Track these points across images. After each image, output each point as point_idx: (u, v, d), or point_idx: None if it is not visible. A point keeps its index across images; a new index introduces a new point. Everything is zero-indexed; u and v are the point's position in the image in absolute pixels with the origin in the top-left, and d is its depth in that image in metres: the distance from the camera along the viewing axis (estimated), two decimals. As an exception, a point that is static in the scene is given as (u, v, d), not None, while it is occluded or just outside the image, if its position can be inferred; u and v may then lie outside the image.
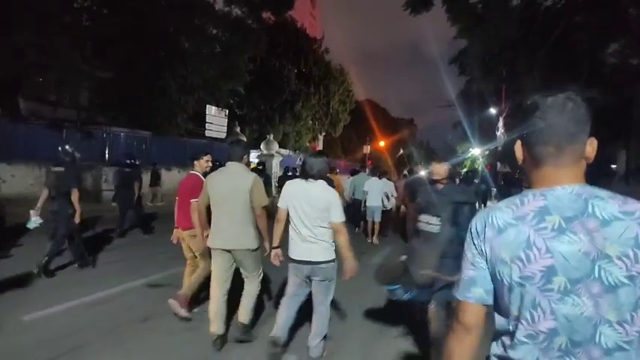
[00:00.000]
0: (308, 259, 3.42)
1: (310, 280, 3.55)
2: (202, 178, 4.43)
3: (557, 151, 1.12)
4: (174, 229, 4.64)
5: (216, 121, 19.57)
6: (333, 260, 3.48)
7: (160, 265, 6.53)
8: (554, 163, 1.13)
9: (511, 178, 15.13)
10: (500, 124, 24.12)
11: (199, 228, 4.17)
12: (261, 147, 24.10)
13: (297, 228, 3.46)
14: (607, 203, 1.07)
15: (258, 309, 4.34)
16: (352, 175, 12.43)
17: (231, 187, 3.73)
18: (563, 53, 13.28)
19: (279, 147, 27.55)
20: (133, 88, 15.37)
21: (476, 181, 18.05)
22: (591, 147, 1.13)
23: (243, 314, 3.91)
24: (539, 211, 1.11)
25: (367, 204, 10.00)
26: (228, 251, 3.79)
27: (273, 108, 26.39)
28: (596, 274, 1.03)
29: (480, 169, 28.82)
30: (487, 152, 32.17)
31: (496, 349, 1.21)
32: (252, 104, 25.40)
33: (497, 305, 1.20)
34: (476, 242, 1.21)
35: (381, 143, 50.21)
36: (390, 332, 4.45)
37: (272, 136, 24.81)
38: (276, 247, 3.65)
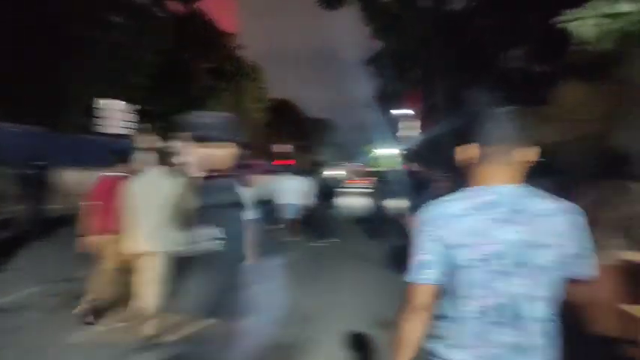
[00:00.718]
0: None
1: None
2: (125, 180, 4.24)
3: (506, 153, 1.35)
4: (83, 237, 4.32)
5: (118, 116, 17.43)
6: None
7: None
8: (497, 163, 1.36)
9: (423, 178, 15.30)
10: (415, 124, 24.57)
11: (124, 232, 4.03)
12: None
13: None
14: (543, 200, 1.34)
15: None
16: (270, 175, 11.99)
17: (156, 190, 3.78)
18: (474, 55, 13.44)
19: (190, 146, 25.88)
20: (21, 80, 13.06)
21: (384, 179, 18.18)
22: (533, 151, 1.37)
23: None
24: (490, 203, 1.33)
25: (287, 202, 9.63)
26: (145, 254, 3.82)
27: (182, 104, 24.54)
28: (534, 259, 1.29)
29: (396, 169, 29.31)
30: (402, 152, 32.90)
31: (442, 325, 1.41)
32: (160, 99, 23.40)
33: (446, 286, 1.38)
34: (430, 228, 1.38)
35: (299, 143, 49.71)
36: None
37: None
38: None
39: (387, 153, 35.82)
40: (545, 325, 1.32)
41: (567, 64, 14.18)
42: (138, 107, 19.50)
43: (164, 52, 20.58)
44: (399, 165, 30.39)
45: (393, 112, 30.16)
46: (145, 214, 3.75)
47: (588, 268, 1.36)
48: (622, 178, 2.28)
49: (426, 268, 1.37)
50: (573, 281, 1.36)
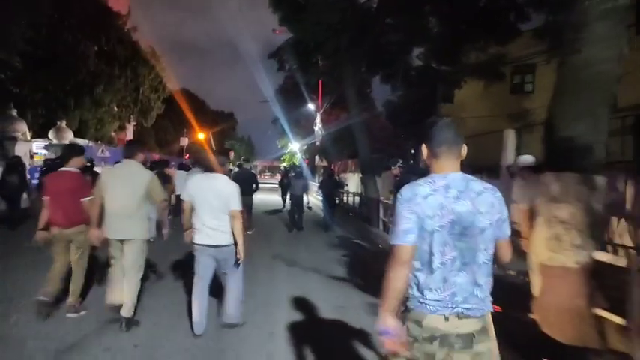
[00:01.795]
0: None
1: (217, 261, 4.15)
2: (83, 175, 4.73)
3: (448, 151, 1.95)
4: (42, 231, 4.47)
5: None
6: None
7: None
8: (447, 158, 1.96)
9: (331, 172, 15.93)
10: (318, 119, 24.80)
11: (93, 223, 4.25)
12: (50, 135, 20.01)
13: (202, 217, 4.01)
14: (476, 183, 1.94)
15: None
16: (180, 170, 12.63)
17: (130, 182, 4.17)
18: (381, 51, 13.86)
19: (76, 136, 23.40)
20: None
21: (292, 174, 18.14)
22: (464, 150, 1.99)
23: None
24: (444, 186, 1.90)
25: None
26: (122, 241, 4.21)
27: (66, 90, 22.09)
28: (476, 223, 1.87)
29: (297, 163, 29.48)
30: (305, 147, 33.25)
31: (416, 274, 1.92)
32: (37, 84, 20.81)
33: (420, 247, 1.89)
34: (409, 205, 1.89)
35: (200, 136, 47.87)
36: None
37: (64, 123, 20.83)
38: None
39: (291, 148, 36.07)
40: (486, 267, 1.90)
41: (466, 64, 15.46)
42: (10, 90, 17.06)
43: (39, 27, 18.22)
44: (300, 160, 30.88)
45: (296, 107, 30.39)
46: (125, 205, 4.17)
47: (507, 229, 1.97)
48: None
49: (408, 234, 1.86)
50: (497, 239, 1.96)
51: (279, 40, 17.63)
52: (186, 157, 43.52)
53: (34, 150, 19.00)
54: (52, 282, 4.41)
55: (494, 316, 2.18)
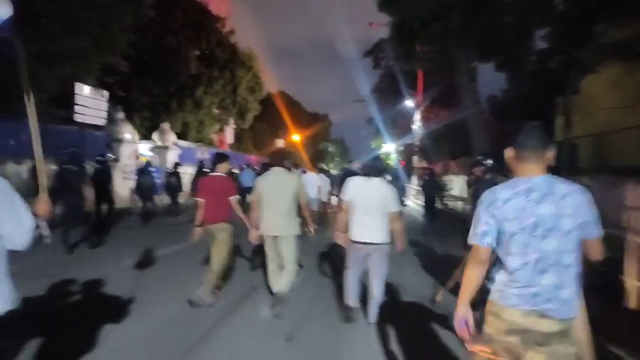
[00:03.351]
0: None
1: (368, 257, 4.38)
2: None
3: (532, 155, 1.99)
4: (197, 227, 5.11)
5: (90, 103, 15.83)
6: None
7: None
8: (531, 161, 1.99)
9: (432, 173, 14.25)
10: (417, 116, 22.95)
11: (247, 221, 4.94)
12: (154, 137, 20.80)
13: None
14: (562, 185, 1.93)
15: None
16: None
17: (282, 186, 4.72)
18: (496, 33, 11.89)
19: (178, 138, 24.21)
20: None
21: (388, 177, 17.33)
22: (551, 154, 2.00)
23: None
24: (526, 190, 1.95)
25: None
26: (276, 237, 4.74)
27: (169, 93, 22.89)
28: (560, 225, 1.89)
29: (392, 164, 27.86)
30: (401, 148, 31.49)
31: (499, 275, 2.07)
32: (144, 88, 21.77)
33: (501, 248, 2.03)
34: (489, 209, 2.01)
35: (295, 137, 48.24)
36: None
37: (168, 125, 21.53)
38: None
39: (385, 149, 34.58)
40: (572, 269, 1.94)
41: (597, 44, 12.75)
42: (117, 94, 17.78)
43: (144, 31, 18.78)
44: (396, 161, 29.15)
45: (392, 105, 28.89)
46: (278, 205, 4.68)
47: (595, 230, 1.95)
48: None
49: (485, 236, 2.04)
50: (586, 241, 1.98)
51: (374, 39, 16.47)
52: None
53: (139, 151, 19.85)
54: (209, 283, 4.96)
55: None
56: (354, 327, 4.40)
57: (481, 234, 2.01)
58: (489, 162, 5.48)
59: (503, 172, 4.56)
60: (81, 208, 7.76)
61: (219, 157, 5.31)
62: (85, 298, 5.24)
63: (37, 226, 2.04)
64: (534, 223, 1.90)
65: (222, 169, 5.19)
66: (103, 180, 9.71)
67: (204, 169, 11.64)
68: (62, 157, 8.45)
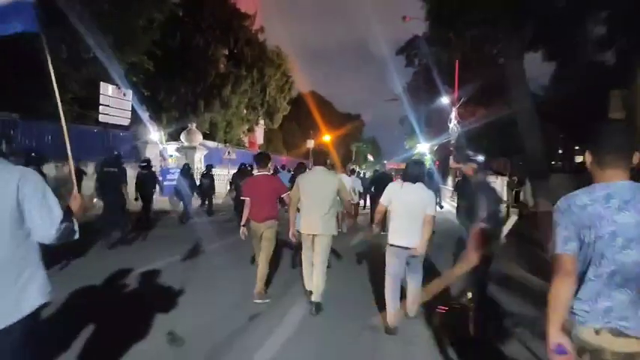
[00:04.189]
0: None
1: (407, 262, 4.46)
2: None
3: (615, 159, 1.76)
4: (244, 227, 5.33)
5: (115, 103, 15.60)
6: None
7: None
8: (613, 166, 1.77)
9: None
10: (454, 114, 21.68)
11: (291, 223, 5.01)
12: (182, 138, 20.51)
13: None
14: None
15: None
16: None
17: (323, 186, 4.78)
18: (546, 20, 10.63)
19: (206, 138, 23.87)
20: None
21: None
22: (636, 157, 1.80)
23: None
24: (605, 196, 1.73)
25: None
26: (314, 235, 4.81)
27: (197, 93, 22.57)
28: None
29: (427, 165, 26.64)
30: (435, 147, 30.19)
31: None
32: (172, 88, 21.51)
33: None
34: (565, 216, 1.80)
35: (326, 138, 47.49)
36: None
37: (195, 125, 21.18)
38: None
39: (419, 149, 33.36)
40: None
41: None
42: (142, 93, 17.47)
43: (173, 30, 18.29)
44: (430, 161, 27.89)
45: (425, 104, 27.72)
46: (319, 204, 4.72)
47: None
48: None
49: (568, 242, 1.79)
50: None
51: (406, 36, 15.52)
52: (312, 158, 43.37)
53: (168, 152, 19.60)
54: (260, 281, 5.10)
55: None
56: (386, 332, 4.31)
57: (563, 240, 1.80)
58: (480, 159, 5.25)
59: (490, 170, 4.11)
60: (122, 209, 8.42)
61: (263, 158, 5.52)
62: (129, 292, 5.46)
63: (70, 221, 2.06)
64: (612, 233, 1.70)
65: (265, 169, 5.40)
66: (147, 185, 10.40)
67: (247, 169, 11.72)
68: (106, 159, 9.00)
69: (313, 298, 4.74)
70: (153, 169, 11.58)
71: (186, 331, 4.03)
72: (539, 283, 6.25)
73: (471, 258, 3.90)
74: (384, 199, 4.43)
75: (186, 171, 12.56)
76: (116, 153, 9.02)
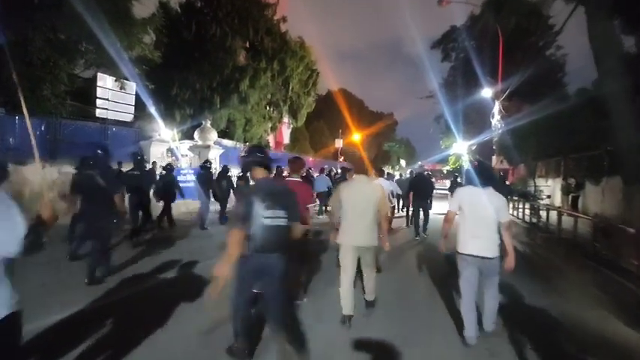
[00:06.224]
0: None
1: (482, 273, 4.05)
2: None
3: None
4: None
5: (115, 97, 14.20)
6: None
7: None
8: None
9: (502, 176, 11.22)
10: (497, 108, 19.14)
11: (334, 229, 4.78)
12: (195, 136, 18.98)
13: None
14: None
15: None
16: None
17: (365, 196, 4.51)
18: None
19: (224, 137, 22.23)
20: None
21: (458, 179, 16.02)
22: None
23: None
24: None
25: None
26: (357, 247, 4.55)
27: (212, 87, 20.95)
28: None
29: (465, 166, 24.19)
30: (474, 147, 27.57)
31: None
32: (186, 82, 19.98)
33: None
34: None
35: (355, 137, 45.38)
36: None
37: (209, 122, 19.58)
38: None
39: (456, 149, 30.81)
40: None
41: None
42: (147, 85, 15.93)
43: (187, 20, 16.60)
44: (466, 162, 25.45)
45: (463, 100, 25.30)
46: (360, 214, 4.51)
47: None
48: None
49: None
50: None
51: (441, 31, 13.62)
52: (341, 159, 41.60)
53: (182, 151, 18.08)
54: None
55: None
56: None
57: None
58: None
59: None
60: (146, 210, 8.71)
61: (298, 163, 5.39)
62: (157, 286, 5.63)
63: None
64: None
65: (297, 175, 5.23)
66: (168, 188, 10.18)
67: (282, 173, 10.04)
68: (84, 159, 7.87)
69: (368, 298, 4.79)
70: (211, 170, 11.55)
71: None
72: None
73: None
74: (453, 206, 4.18)
75: (206, 170, 11.36)
76: (137, 155, 8.90)
